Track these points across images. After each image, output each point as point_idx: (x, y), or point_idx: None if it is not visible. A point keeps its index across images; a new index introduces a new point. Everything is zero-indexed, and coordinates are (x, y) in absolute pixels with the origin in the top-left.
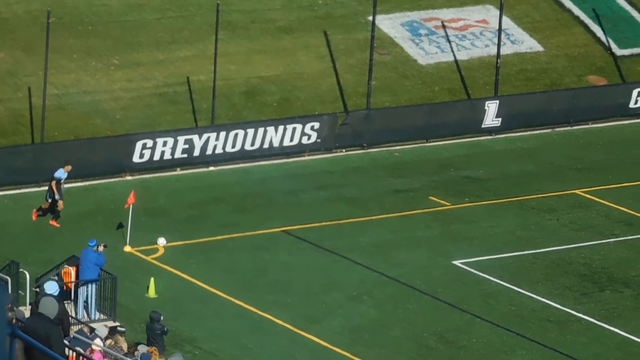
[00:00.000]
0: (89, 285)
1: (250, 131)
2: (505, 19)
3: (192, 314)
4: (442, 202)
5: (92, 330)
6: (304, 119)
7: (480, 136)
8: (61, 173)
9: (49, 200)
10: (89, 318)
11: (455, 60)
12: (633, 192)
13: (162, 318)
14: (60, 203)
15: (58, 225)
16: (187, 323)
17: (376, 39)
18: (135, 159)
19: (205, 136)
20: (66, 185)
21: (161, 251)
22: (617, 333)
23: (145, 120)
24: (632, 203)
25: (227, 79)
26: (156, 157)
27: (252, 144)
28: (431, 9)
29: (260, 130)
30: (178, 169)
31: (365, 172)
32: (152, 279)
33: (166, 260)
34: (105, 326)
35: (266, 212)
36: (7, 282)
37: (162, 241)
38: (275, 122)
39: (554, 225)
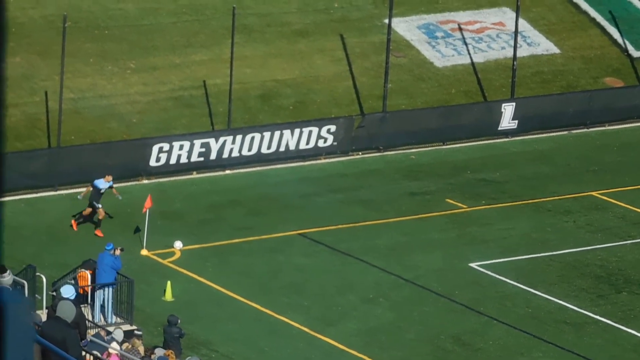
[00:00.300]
0: (106, 289)
1: (267, 134)
2: (521, 21)
3: (208, 317)
4: (458, 204)
5: (109, 333)
6: (320, 122)
7: (497, 138)
8: (101, 183)
9: (95, 207)
10: (106, 321)
11: (472, 63)
12: None
13: (179, 321)
14: (101, 211)
15: (101, 235)
16: (203, 326)
17: (392, 41)
18: (152, 162)
19: (221, 140)
20: (81, 189)
21: (177, 254)
22: (633, 335)
23: (162, 124)
24: None
25: (243, 82)
26: (172, 161)
27: (268, 147)
28: (447, 11)
29: (277, 134)
30: (194, 172)
31: (381, 174)
32: (168, 283)
33: (182, 264)
34: (122, 330)
35: (282, 215)
36: (23, 286)
37: (178, 244)
38: (291, 125)
39: (570, 227)
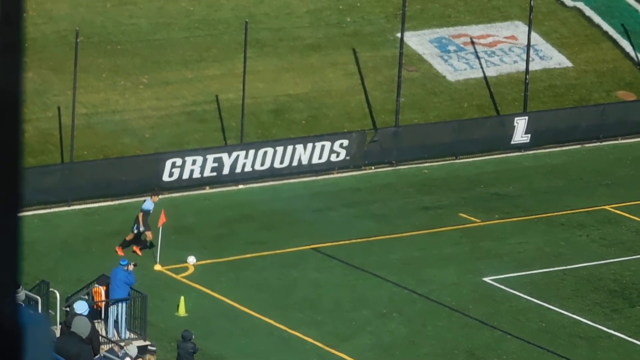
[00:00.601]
0: (119, 304)
1: (279, 149)
2: (533, 34)
3: (222, 332)
4: (472, 218)
5: (122, 348)
6: (332, 137)
7: (510, 152)
8: (149, 204)
9: (135, 232)
10: (119, 337)
11: (484, 77)
12: None
13: (193, 337)
14: (149, 234)
15: (140, 254)
16: (216, 341)
17: (404, 55)
18: (165, 177)
19: (234, 154)
20: (95, 205)
21: (191, 270)
22: None
23: (174, 139)
24: None
25: (256, 97)
26: (185, 176)
27: (281, 162)
28: (460, 25)
29: (289, 148)
30: (207, 187)
31: (393, 189)
32: (182, 298)
33: (196, 279)
34: (135, 345)
35: (295, 230)
36: (37, 302)
37: (192, 259)
38: (304, 140)
39: (583, 241)
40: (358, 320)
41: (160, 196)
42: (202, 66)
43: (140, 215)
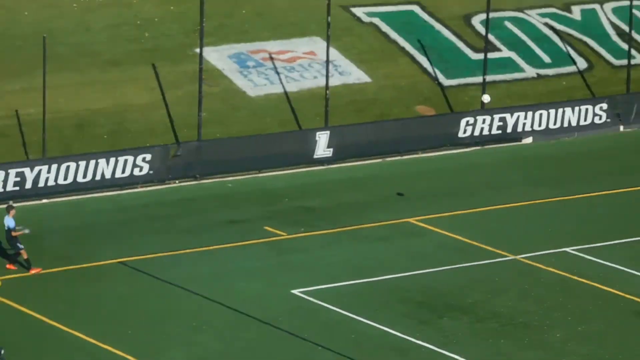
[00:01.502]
0: None
1: (82, 163)
2: (332, 50)
3: (31, 347)
4: (278, 232)
5: None
6: (135, 151)
7: (313, 166)
8: (10, 221)
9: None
10: None
11: (285, 92)
12: (465, 219)
13: (2, 352)
14: (23, 252)
15: (15, 268)
16: (26, 357)
17: (204, 71)
18: None
19: (36, 169)
20: None
21: None
22: (456, 359)
23: None
24: (464, 231)
25: (57, 111)
26: None
27: (84, 177)
28: (258, 41)
29: (92, 163)
30: (10, 201)
31: (199, 203)
32: None
33: (3, 294)
34: None
35: (100, 244)
36: None
37: None
38: (107, 155)
39: (388, 254)
40: (169, 333)
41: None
42: (1, 81)
43: (12, 233)
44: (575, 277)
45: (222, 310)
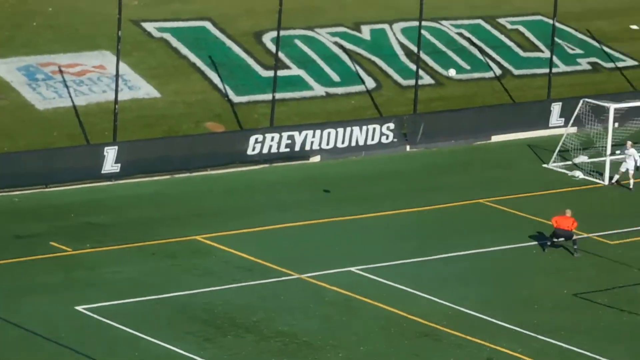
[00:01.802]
0: None
1: None
2: (122, 65)
3: None
4: (63, 247)
5: None
6: None
7: (100, 182)
8: None
9: None
10: None
11: (74, 106)
12: (252, 238)
13: None
14: None
15: None
16: None
17: None
18: None
19: None
20: None
21: None
22: None
23: None
24: (252, 249)
25: None
26: None
27: None
28: (48, 54)
29: None
30: None
31: None
32: None
33: None
34: None
35: None
36: None
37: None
38: None
39: (175, 271)
40: None
41: None
42: None
43: None
44: (359, 297)
45: (7, 326)
